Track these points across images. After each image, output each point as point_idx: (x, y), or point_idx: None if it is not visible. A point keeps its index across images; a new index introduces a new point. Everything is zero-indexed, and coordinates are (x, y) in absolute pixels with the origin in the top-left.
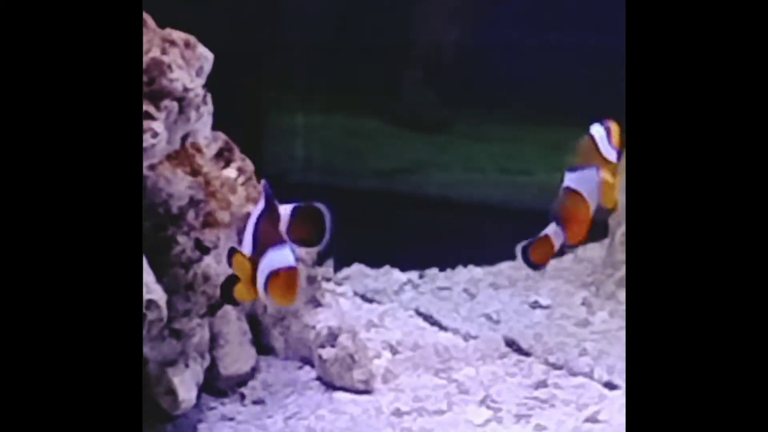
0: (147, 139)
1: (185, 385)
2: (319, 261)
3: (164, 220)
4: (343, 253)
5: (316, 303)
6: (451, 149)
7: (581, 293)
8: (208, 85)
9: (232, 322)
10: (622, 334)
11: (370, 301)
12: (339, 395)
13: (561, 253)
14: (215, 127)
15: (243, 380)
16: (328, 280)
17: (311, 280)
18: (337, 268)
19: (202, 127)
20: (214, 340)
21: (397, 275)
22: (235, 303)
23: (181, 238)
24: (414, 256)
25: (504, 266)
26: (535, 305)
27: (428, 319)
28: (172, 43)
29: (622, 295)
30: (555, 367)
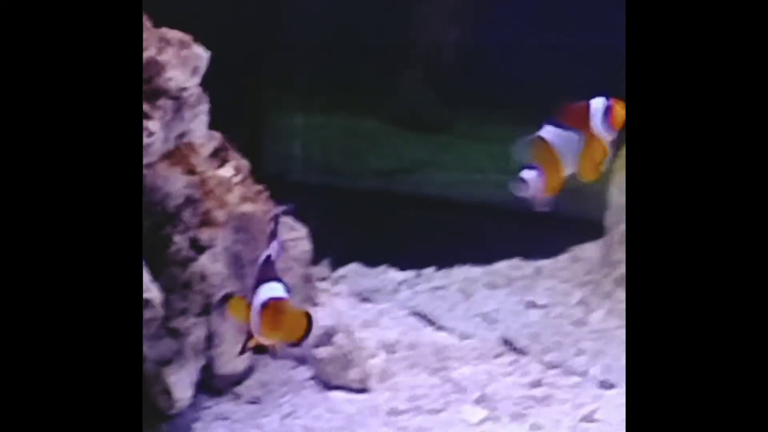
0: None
1: (181, 384)
2: (316, 261)
3: (160, 219)
4: (339, 253)
5: (312, 302)
6: (450, 149)
7: (578, 292)
8: (204, 85)
9: (228, 321)
10: (619, 333)
11: (366, 300)
12: (335, 394)
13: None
14: (214, 126)
15: (239, 379)
16: (324, 279)
17: (307, 279)
18: (334, 268)
19: (198, 126)
20: (210, 339)
21: (394, 274)
22: None
23: (177, 237)
24: (410, 256)
25: (501, 266)
26: (532, 304)
27: (424, 318)
28: (168, 42)
29: (619, 294)
30: (551, 366)
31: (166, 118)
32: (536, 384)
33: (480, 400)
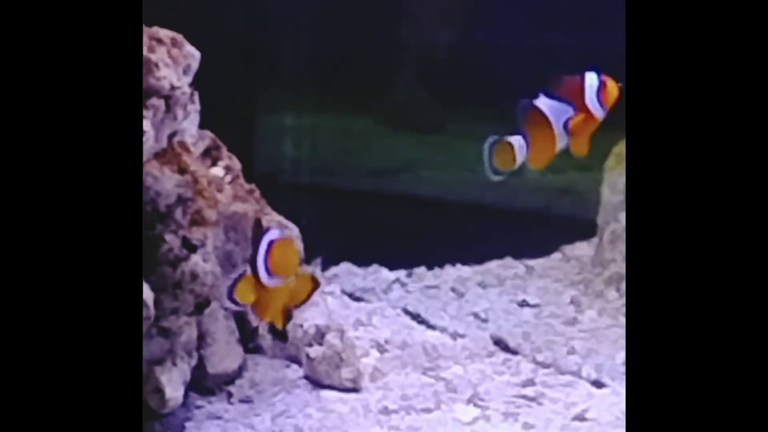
0: None
1: (173, 383)
2: (307, 260)
3: (151, 219)
4: (331, 252)
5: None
6: (442, 149)
7: (569, 292)
8: (195, 84)
9: (219, 320)
10: (611, 332)
11: (358, 299)
12: (327, 394)
13: (521, 173)
14: (204, 125)
15: (230, 379)
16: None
17: None
18: (326, 267)
19: (190, 125)
20: (201, 338)
21: (386, 274)
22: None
23: (168, 237)
24: (402, 255)
25: (492, 265)
26: (523, 304)
27: (416, 317)
28: (159, 41)
29: (610, 293)
30: (543, 365)
31: (157, 117)
32: (528, 383)
33: (472, 399)
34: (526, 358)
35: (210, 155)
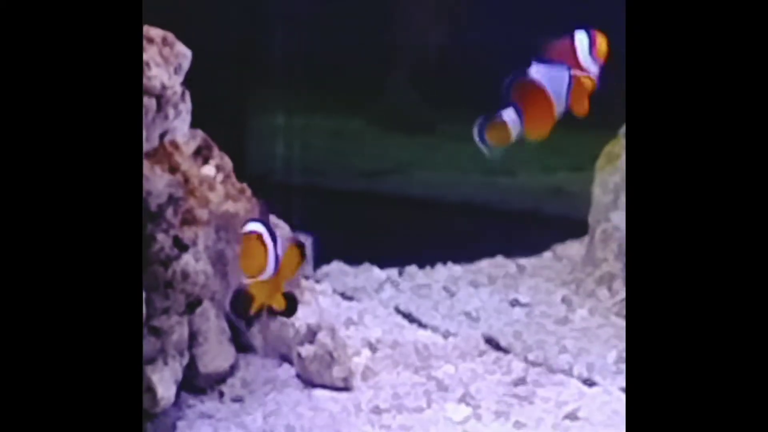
0: None
1: (164, 383)
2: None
3: (143, 218)
4: (323, 251)
5: None
6: (434, 150)
7: (561, 291)
8: (186, 83)
9: (211, 319)
10: (602, 331)
11: (350, 298)
12: (318, 393)
13: (521, 143)
14: (196, 124)
15: (222, 378)
16: (307, 278)
17: None
18: (317, 266)
19: (181, 124)
20: (193, 337)
21: (377, 273)
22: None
23: (159, 236)
24: (394, 255)
25: (484, 264)
26: (515, 303)
27: (408, 316)
28: (151, 40)
29: (602, 292)
30: (534, 364)
31: (148, 117)
32: (519, 382)
33: (463, 398)
34: (518, 357)
35: (201, 154)
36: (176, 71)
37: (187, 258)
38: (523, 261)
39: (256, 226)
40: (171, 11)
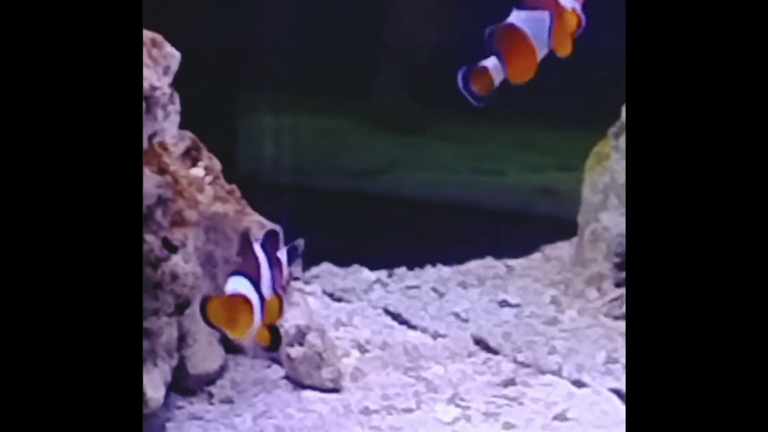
0: None
1: (153, 384)
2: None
3: None
4: (312, 252)
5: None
6: (423, 150)
7: (550, 291)
8: (175, 84)
9: (200, 321)
10: (591, 332)
11: (339, 299)
12: (307, 394)
13: (503, 88)
14: (185, 126)
15: (211, 379)
16: (296, 279)
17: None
18: (306, 267)
19: (170, 125)
20: (182, 339)
21: (366, 274)
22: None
23: (149, 237)
24: (383, 255)
25: (473, 265)
26: (504, 304)
27: (397, 317)
28: None
29: (591, 293)
30: (524, 365)
31: None
32: (509, 383)
33: (452, 399)
34: (507, 357)
35: (190, 156)
36: (165, 72)
37: (176, 259)
38: (512, 261)
39: (240, 285)
40: (158, 12)
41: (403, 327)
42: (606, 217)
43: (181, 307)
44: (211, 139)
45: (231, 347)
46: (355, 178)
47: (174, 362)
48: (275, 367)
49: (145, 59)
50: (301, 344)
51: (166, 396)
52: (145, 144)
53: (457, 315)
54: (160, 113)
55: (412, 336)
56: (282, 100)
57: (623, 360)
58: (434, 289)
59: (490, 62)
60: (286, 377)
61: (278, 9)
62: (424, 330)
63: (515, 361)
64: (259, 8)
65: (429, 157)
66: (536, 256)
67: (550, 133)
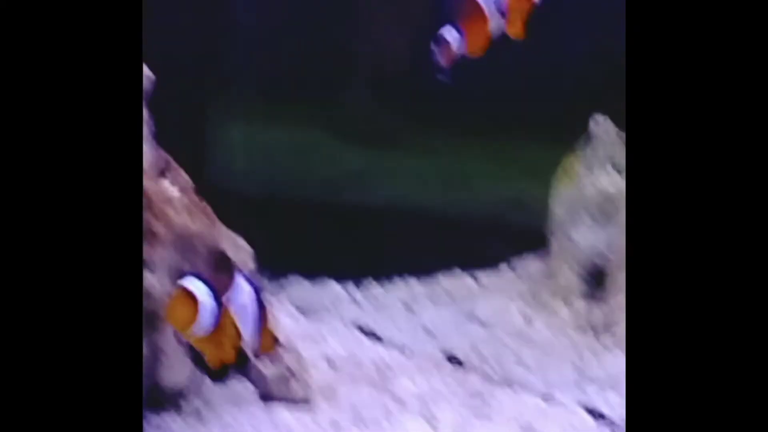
0: None
1: None
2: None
3: None
4: (281, 264)
5: None
6: (392, 161)
7: (519, 305)
8: (148, 103)
9: (169, 335)
10: (560, 345)
11: (308, 313)
12: (277, 408)
13: (462, 59)
14: (157, 141)
15: (181, 393)
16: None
17: None
18: (275, 279)
19: (143, 143)
20: (152, 353)
21: (335, 286)
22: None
23: None
24: (353, 268)
25: (442, 277)
26: (472, 317)
27: (366, 332)
28: None
29: (559, 306)
30: (492, 379)
31: None
32: (477, 396)
33: (422, 413)
34: (476, 371)
35: (161, 172)
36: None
37: (147, 276)
38: (480, 274)
39: (189, 282)
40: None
41: (372, 341)
42: (574, 231)
43: (152, 322)
44: (180, 151)
45: (201, 361)
46: (324, 189)
47: (145, 377)
48: (245, 381)
49: None
50: (270, 359)
51: None
52: None
53: (425, 328)
54: None
55: (381, 350)
56: (252, 111)
57: (591, 374)
58: (402, 303)
59: (449, 33)
60: (256, 392)
61: (248, 20)
62: (392, 343)
63: (484, 375)
64: (229, 19)
65: (398, 168)
66: (505, 269)
67: (518, 144)
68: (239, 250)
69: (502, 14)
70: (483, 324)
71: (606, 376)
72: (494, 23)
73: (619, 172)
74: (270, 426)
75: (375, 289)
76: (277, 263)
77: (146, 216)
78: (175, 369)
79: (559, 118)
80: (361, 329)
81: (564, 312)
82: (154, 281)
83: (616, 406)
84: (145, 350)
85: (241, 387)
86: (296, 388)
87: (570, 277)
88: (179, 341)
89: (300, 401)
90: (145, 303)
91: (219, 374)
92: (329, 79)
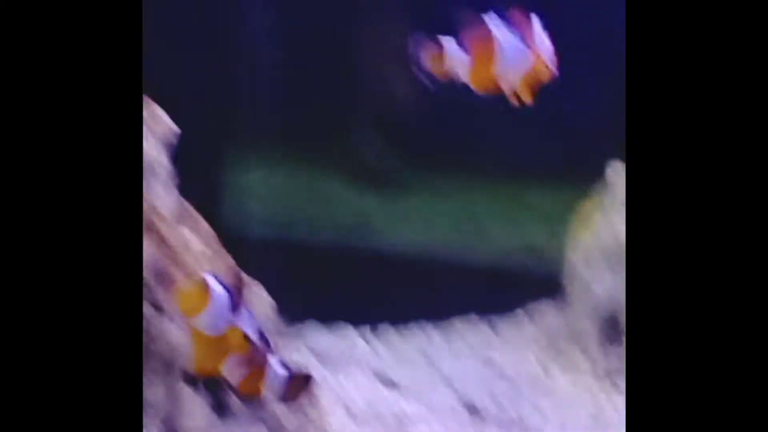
0: None
1: None
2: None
3: None
4: (297, 310)
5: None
6: (405, 205)
7: (535, 352)
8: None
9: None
10: (576, 393)
11: (324, 358)
12: None
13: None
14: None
15: None
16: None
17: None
18: (292, 325)
19: (165, 193)
20: (170, 399)
21: (353, 334)
22: None
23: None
24: (367, 313)
25: (458, 324)
26: (490, 365)
27: (384, 379)
28: None
29: (575, 354)
30: (509, 425)
31: None
32: None
33: None
34: (493, 419)
35: (183, 221)
36: (162, 143)
37: (167, 323)
38: (497, 321)
39: (209, 275)
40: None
41: (388, 387)
42: (591, 279)
43: (170, 368)
44: (199, 199)
45: (218, 404)
46: (338, 235)
47: (164, 425)
48: (261, 425)
49: (144, 131)
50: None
51: None
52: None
53: (443, 376)
54: (154, 182)
55: (397, 396)
56: (267, 157)
57: (608, 422)
58: (419, 350)
59: (448, 43)
60: None
61: (263, 67)
62: (408, 390)
63: (501, 422)
64: (245, 66)
65: (411, 212)
66: (521, 316)
67: (532, 189)
68: (257, 296)
69: (518, 74)
70: (500, 372)
71: (622, 423)
72: (504, 74)
73: None
74: None
75: (392, 335)
76: (294, 309)
77: (166, 263)
78: (193, 414)
79: (573, 163)
80: (379, 377)
81: (581, 360)
82: (171, 327)
83: None
84: (161, 395)
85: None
86: None
87: (587, 325)
88: (195, 389)
89: None
90: (162, 349)
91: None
92: (342, 125)
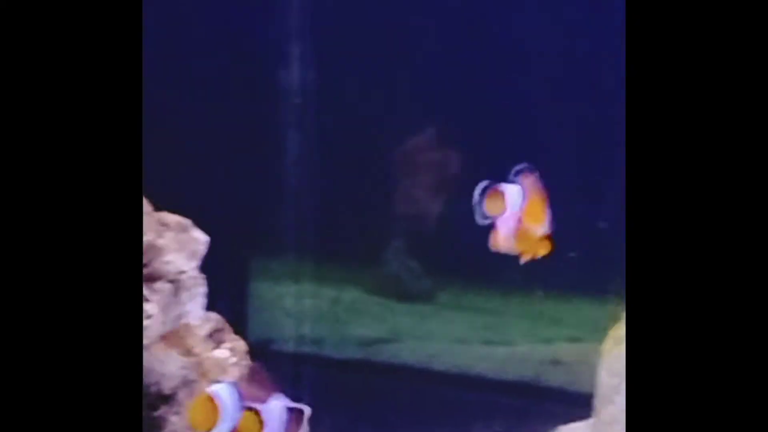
0: None
1: None
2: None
3: (156, 401)
4: (323, 424)
5: None
6: (432, 319)
7: None
8: (201, 266)
9: None
10: None
11: None
12: None
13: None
14: (210, 306)
15: None
16: None
17: None
18: None
19: (195, 307)
20: None
21: None
22: None
23: (173, 418)
24: (393, 428)
25: None
26: None
27: None
28: (167, 226)
29: None
30: None
31: (164, 301)
32: None
33: None
34: None
35: (215, 337)
36: (192, 256)
37: None
38: None
39: (217, 387)
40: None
41: None
42: (622, 398)
43: None
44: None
45: None
46: (368, 348)
47: None
48: None
49: (172, 243)
50: None
51: None
52: (171, 326)
53: None
54: (185, 296)
55: None
56: (293, 270)
57: None
58: None
59: (508, 188)
60: None
61: (290, 182)
62: None
63: None
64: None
65: (438, 327)
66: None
67: (559, 304)
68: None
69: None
70: None
71: None
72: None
73: None
74: None
75: None
76: (318, 422)
77: (200, 382)
78: None
79: (598, 276)
80: None
81: None
82: None
83: None
84: None
85: None
86: None
87: None
88: None
89: None
90: None
91: None
92: (368, 237)
